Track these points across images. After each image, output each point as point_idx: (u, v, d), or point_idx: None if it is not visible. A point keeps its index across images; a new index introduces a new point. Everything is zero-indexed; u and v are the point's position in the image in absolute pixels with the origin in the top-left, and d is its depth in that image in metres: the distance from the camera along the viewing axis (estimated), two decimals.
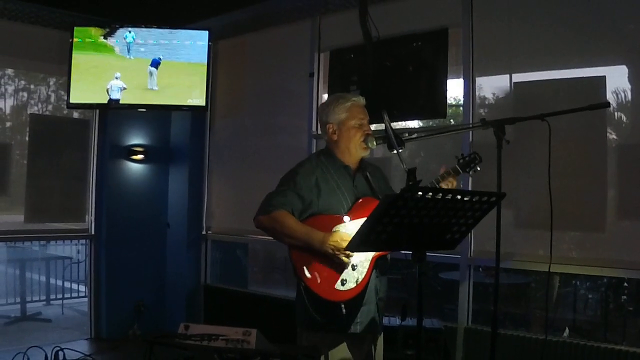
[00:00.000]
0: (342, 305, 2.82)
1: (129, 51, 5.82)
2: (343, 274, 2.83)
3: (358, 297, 2.87)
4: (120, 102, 5.85)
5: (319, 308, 2.88)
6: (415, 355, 3.76)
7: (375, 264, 2.93)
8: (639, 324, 5.08)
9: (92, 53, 5.77)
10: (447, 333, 4.34)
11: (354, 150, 3.04)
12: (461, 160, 3.03)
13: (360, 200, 2.98)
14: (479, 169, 3.03)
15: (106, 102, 5.84)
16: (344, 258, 2.76)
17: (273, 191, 3.00)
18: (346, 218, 2.90)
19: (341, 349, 2.91)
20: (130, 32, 5.81)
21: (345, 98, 3.12)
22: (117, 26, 5.81)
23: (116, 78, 5.79)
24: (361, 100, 3.13)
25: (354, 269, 2.85)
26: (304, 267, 2.88)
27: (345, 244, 2.71)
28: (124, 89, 5.81)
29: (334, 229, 2.86)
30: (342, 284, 2.83)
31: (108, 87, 5.79)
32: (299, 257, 2.90)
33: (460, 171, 3.01)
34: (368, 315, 2.93)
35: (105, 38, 5.78)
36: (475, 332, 4.40)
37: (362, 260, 2.86)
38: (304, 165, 3.07)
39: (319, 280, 2.85)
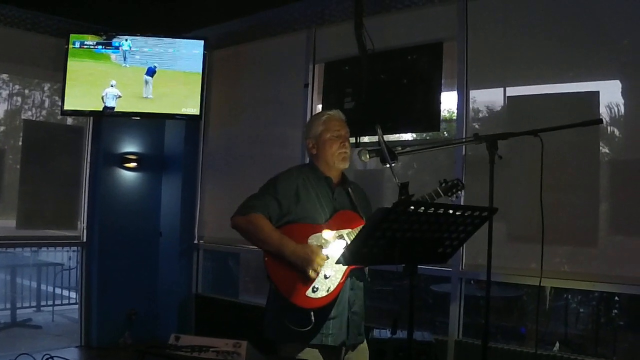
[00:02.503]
0: (312, 313, 2.82)
1: (125, 59, 5.82)
2: (315, 282, 2.85)
3: (329, 306, 2.88)
4: (115, 109, 5.85)
5: (289, 314, 2.89)
6: None
7: (350, 275, 2.95)
8: (629, 338, 5.09)
9: (88, 60, 5.77)
10: (438, 346, 4.34)
11: (332, 162, 3.10)
12: (443, 185, 3.13)
13: (340, 212, 3.02)
14: (461, 194, 3.11)
15: (101, 109, 5.84)
16: (311, 273, 2.79)
17: (253, 194, 3.07)
18: (326, 233, 2.93)
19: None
20: (127, 40, 5.81)
21: (322, 113, 3.24)
22: (114, 34, 5.82)
23: (111, 86, 5.79)
24: (338, 114, 3.21)
25: (326, 278, 2.86)
26: (277, 272, 2.90)
27: (314, 257, 2.78)
28: (119, 96, 5.81)
29: (309, 238, 2.90)
30: (313, 291, 2.84)
31: (103, 94, 5.79)
32: (272, 262, 2.92)
33: (442, 194, 3.10)
34: (341, 328, 2.95)
35: (101, 45, 5.79)
36: (466, 346, 4.40)
37: (335, 270, 2.88)
38: (286, 173, 3.14)
39: (290, 286, 2.86)
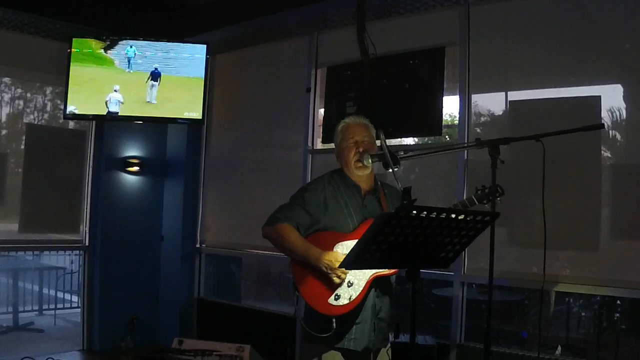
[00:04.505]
0: (333, 320, 2.86)
1: (128, 64, 5.83)
2: (337, 290, 2.87)
3: (351, 313, 2.89)
4: (118, 114, 5.86)
5: (311, 320, 2.95)
6: None
7: (375, 284, 2.95)
8: (631, 342, 5.07)
9: (91, 65, 5.79)
10: (440, 350, 4.34)
11: (351, 170, 3.08)
12: (479, 192, 3.06)
13: (367, 220, 3.00)
14: (499, 200, 3.00)
15: (104, 114, 5.85)
16: (335, 278, 2.81)
17: (284, 204, 3.10)
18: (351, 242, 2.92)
19: None
20: (131, 46, 5.82)
21: (340, 122, 3.21)
22: (116, 39, 5.83)
23: (115, 91, 5.80)
24: (354, 120, 3.18)
25: (349, 286, 2.88)
26: (302, 280, 2.94)
27: (338, 265, 2.77)
28: (122, 102, 5.82)
29: (336, 247, 2.92)
30: (335, 299, 2.86)
31: (107, 99, 5.80)
32: (297, 269, 2.97)
33: (477, 202, 3.03)
34: (363, 334, 2.95)
35: (104, 50, 5.80)
36: (468, 350, 4.40)
37: (359, 279, 2.89)
38: (315, 183, 3.17)
39: (313, 293, 2.90)
